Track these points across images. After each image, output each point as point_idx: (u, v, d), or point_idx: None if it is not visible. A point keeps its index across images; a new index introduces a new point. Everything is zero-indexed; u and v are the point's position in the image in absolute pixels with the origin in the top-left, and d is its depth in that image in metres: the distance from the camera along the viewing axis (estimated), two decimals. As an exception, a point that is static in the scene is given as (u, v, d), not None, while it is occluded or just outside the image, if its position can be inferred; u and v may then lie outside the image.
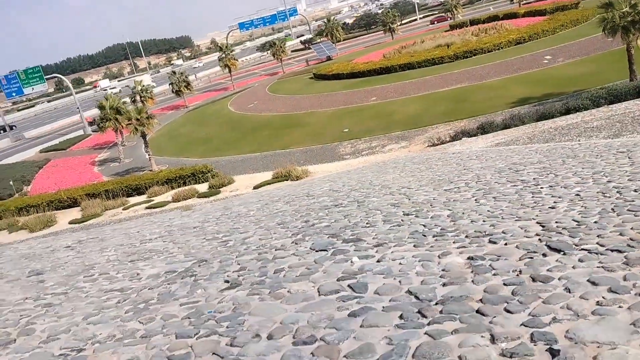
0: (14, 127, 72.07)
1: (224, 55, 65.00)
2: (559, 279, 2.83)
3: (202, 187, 25.32)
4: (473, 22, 56.33)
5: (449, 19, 71.53)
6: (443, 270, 3.30)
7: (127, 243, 7.51)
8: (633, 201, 4.65)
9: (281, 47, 69.06)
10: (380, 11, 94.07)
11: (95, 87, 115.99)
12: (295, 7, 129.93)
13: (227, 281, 3.89)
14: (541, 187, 6.47)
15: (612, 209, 4.47)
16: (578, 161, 9.01)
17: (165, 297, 3.78)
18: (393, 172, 13.10)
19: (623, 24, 20.32)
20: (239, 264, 4.44)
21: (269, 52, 76.83)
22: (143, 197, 26.44)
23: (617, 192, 5.30)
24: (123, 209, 25.40)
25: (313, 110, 36.20)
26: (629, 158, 8.24)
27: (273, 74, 68.32)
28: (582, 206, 4.85)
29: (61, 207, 27.90)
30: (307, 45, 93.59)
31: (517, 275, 3.01)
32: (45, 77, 58.21)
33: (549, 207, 5.04)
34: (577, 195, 5.54)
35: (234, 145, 33.07)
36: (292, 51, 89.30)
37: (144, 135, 31.93)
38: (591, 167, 7.91)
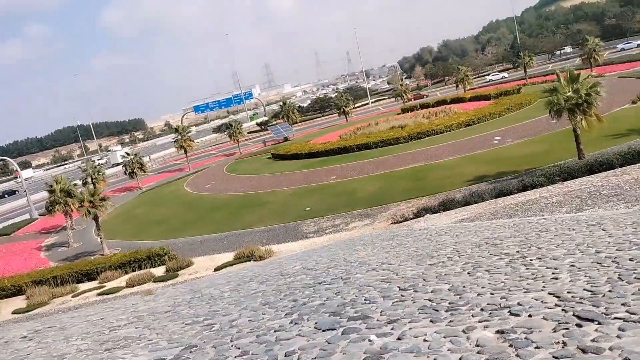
0: (16, 192, 70.90)
1: (179, 137, 65.17)
2: (610, 349, 2.66)
3: (159, 271, 24.25)
4: (423, 106, 59.35)
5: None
6: (477, 345, 3.06)
7: (93, 331, 6.84)
8: (636, 269, 4.64)
9: (238, 128, 70.07)
10: (334, 95, 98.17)
11: (16, 176, 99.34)
12: (251, 91, 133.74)
13: (232, 368, 3.49)
14: (530, 260, 6.40)
15: (619, 278, 4.42)
16: (553, 234, 9.10)
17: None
18: (364, 249, 12.89)
19: (568, 106, 21.82)
20: (238, 348, 4.03)
21: (225, 133, 77.74)
22: (94, 283, 24.99)
23: (612, 261, 5.28)
24: (72, 296, 23.85)
25: (273, 189, 36.18)
26: (603, 230, 8.40)
27: (230, 154, 68.74)
28: (585, 276, 4.78)
29: (4, 295, 25.93)
30: (263, 126, 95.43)
31: (563, 347, 2.81)
32: (-9, 159, 56.18)
33: (551, 278, 4.93)
34: (573, 266, 5.49)
35: (192, 226, 32.25)
36: (249, 132, 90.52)
37: (96, 218, 30.73)
38: (570, 239, 7.98)
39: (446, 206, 20.40)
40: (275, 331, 4.42)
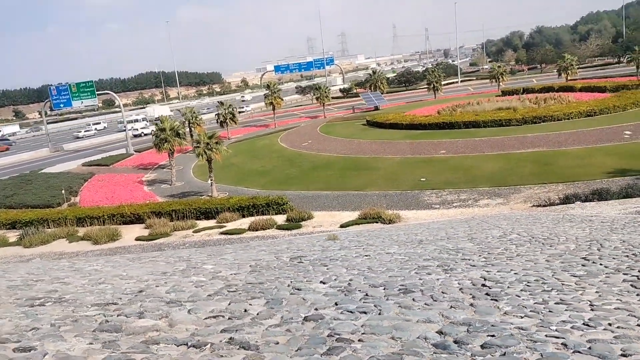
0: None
1: (269, 93, 65.47)
2: None
3: (279, 219, 24.27)
4: (526, 91, 56.48)
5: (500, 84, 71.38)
6: None
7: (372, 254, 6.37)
8: None
9: (326, 92, 69.65)
10: (421, 69, 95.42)
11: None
12: (332, 57, 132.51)
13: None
14: None
15: None
16: None
17: None
18: (556, 226, 11.96)
19: None
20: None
21: (311, 95, 77.47)
22: (212, 222, 25.36)
23: None
24: (193, 232, 24.32)
25: (377, 155, 35.49)
26: None
27: (314, 117, 68.51)
28: None
29: (122, 222, 26.87)
30: (345, 93, 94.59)
31: None
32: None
33: None
34: None
35: (297, 181, 32.19)
36: (332, 98, 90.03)
37: (209, 160, 31.13)
38: None
39: (601, 196, 19.04)
40: None
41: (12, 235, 26.64)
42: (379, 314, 3.59)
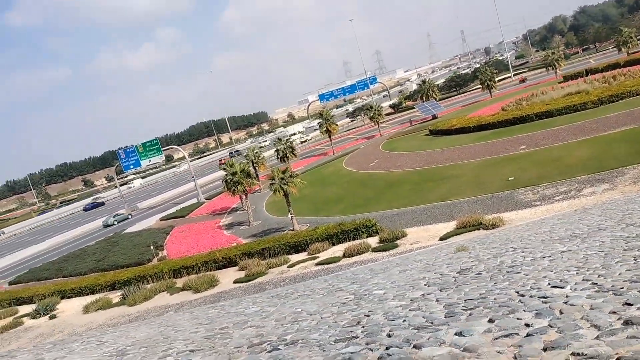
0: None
1: (323, 121, 65.79)
2: None
3: (371, 242, 23.70)
4: (590, 72, 53.93)
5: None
6: None
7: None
8: None
9: (378, 110, 69.25)
10: (470, 70, 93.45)
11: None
12: (375, 75, 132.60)
13: None
14: None
15: None
16: None
17: None
18: None
19: None
20: None
21: (363, 115, 77.34)
22: (303, 255, 25.10)
23: None
24: (288, 267, 24.11)
25: (453, 163, 34.44)
26: None
27: (369, 137, 68.05)
28: None
29: (216, 267, 27.10)
30: (395, 109, 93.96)
31: None
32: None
33: None
34: None
35: (376, 202, 31.58)
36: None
37: (286, 195, 31.15)
38: None
39: None
40: None
41: (114, 296, 27.38)
42: None
